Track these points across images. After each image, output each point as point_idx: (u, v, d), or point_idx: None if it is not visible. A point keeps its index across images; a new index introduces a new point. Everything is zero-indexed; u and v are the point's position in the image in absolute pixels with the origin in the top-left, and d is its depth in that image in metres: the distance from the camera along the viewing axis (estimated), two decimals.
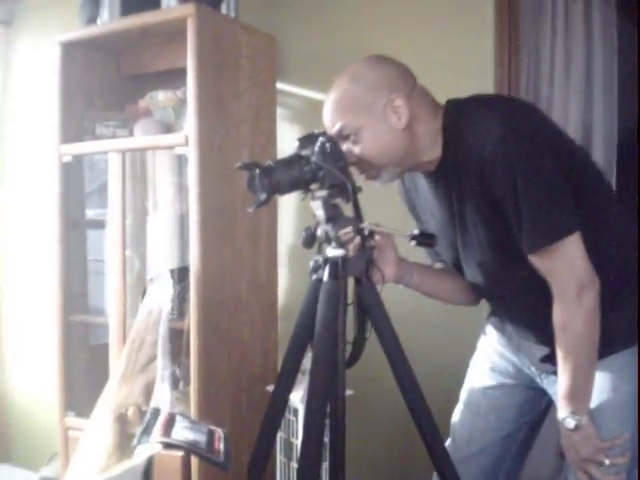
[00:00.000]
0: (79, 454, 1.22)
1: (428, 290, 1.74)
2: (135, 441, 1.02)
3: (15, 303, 3.50)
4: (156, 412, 1.06)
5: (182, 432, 1.04)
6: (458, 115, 1.48)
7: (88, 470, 1.08)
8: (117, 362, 1.35)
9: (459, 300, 1.78)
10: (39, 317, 3.33)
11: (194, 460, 2.18)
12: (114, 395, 1.27)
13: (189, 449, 1.04)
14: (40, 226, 3.27)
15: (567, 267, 1.40)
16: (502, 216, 1.41)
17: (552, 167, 1.38)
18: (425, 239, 1.50)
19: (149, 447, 1.00)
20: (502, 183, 1.37)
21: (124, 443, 1.17)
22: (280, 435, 2.02)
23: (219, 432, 1.10)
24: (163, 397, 1.11)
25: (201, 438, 1.07)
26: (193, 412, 2.20)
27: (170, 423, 1.04)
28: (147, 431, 1.02)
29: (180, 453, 2.20)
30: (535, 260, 1.42)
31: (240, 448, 2.34)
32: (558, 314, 1.43)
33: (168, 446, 1.02)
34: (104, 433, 1.22)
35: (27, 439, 3.42)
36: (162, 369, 1.20)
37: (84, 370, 2.62)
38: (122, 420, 1.24)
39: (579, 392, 1.44)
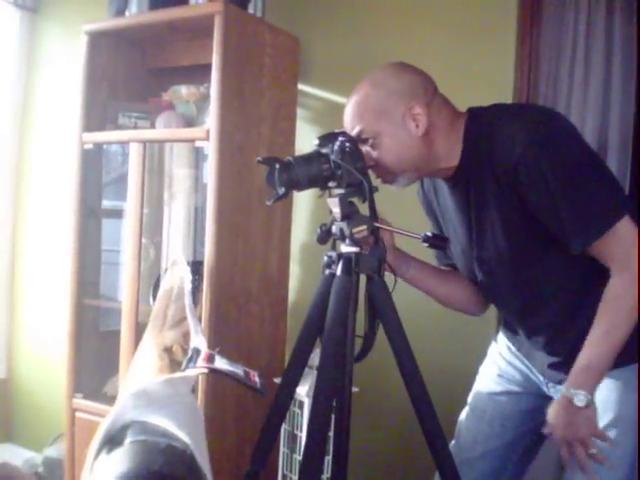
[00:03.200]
0: (129, 375, 1.25)
1: (427, 288, 1.75)
2: (183, 366, 1.08)
3: (27, 286, 3.54)
4: (197, 350, 1.12)
5: (222, 365, 1.10)
6: (483, 121, 1.50)
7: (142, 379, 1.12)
8: (147, 327, 1.40)
9: (459, 306, 1.79)
10: (50, 300, 3.37)
11: None
12: (155, 337, 1.31)
13: (230, 375, 1.11)
14: (59, 212, 3.32)
15: (625, 248, 1.40)
16: (529, 221, 1.43)
17: (588, 158, 1.41)
18: (437, 241, 1.52)
19: (196, 370, 1.05)
20: (537, 186, 1.39)
21: (173, 367, 1.21)
22: (285, 427, 2.04)
23: (254, 372, 1.16)
24: (200, 343, 1.16)
25: (239, 371, 1.14)
26: (201, 401, 2.24)
27: (211, 358, 1.10)
28: (192, 360, 1.08)
29: None
30: (591, 251, 1.42)
31: (244, 439, 2.39)
32: (614, 287, 1.41)
33: (212, 371, 1.07)
34: (154, 358, 1.26)
35: (31, 419, 3.46)
36: (194, 325, 1.24)
37: (93, 354, 2.66)
38: (169, 351, 1.28)
39: (600, 369, 1.43)
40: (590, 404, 1.43)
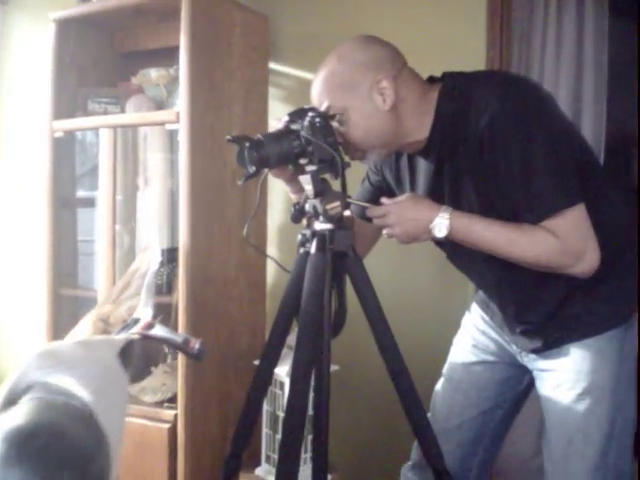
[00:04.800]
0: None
1: None
2: (114, 333, 1.06)
3: (5, 278, 3.49)
4: (135, 320, 1.10)
5: (160, 332, 1.08)
6: (457, 91, 1.48)
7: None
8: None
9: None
10: (28, 292, 3.33)
11: (180, 432, 2.22)
12: (99, 308, 1.29)
13: (165, 340, 1.09)
14: (32, 202, 3.27)
15: (569, 231, 1.38)
16: (499, 189, 1.42)
17: (554, 136, 1.39)
18: None
19: (125, 334, 1.03)
20: (500, 153, 1.38)
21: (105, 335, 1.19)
22: (266, 408, 2.04)
23: (197, 340, 1.14)
24: (145, 315, 1.14)
25: (178, 338, 1.12)
26: (180, 385, 2.23)
27: (150, 327, 1.08)
28: (127, 328, 1.06)
29: (167, 425, 2.25)
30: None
31: (226, 421, 2.38)
32: (544, 232, 1.38)
33: (145, 337, 1.05)
34: (88, 326, 1.24)
35: None
36: (145, 299, 1.22)
37: None
38: (104, 321, 1.26)
39: (474, 233, 1.44)
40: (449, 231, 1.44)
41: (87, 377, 0.83)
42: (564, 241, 1.38)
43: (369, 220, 1.57)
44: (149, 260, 1.37)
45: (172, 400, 2.32)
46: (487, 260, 1.53)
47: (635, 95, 2.40)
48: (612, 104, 2.51)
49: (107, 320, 1.26)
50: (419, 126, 1.51)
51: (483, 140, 1.39)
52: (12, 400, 0.81)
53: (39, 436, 0.75)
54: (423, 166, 1.59)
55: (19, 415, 0.77)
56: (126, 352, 0.97)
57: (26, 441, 0.74)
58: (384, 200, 1.54)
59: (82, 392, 0.81)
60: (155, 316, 1.17)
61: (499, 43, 2.39)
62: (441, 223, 1.43)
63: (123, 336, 1.01)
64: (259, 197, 1.66)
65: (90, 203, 2.73)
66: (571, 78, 2.44)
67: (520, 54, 2.49)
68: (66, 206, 2.71)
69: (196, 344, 1.13)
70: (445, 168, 1.52)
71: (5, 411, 0.80)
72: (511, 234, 1.41)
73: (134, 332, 1.04)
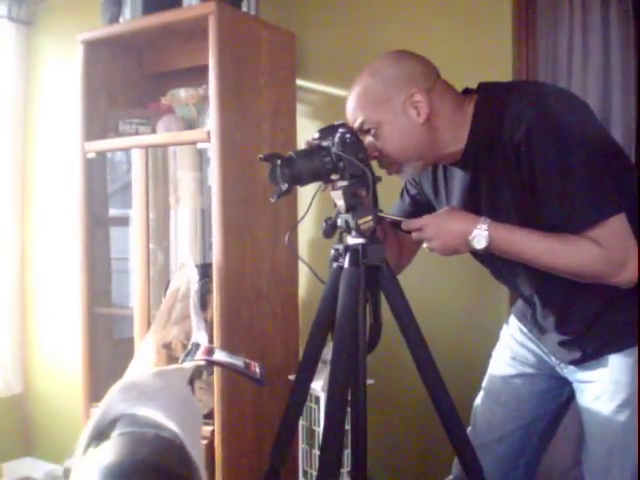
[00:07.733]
0: (127, 372, 1.23)
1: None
2: (180, 360, 1.06)
3: (39, 299, 3.54)
4: (196, 345, 1.11)
5: (221, 357, 1.09)
6: (493, 100, 1.48)
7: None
8: (152, 326, 1.39)
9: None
10: (64, 311, 3.37)
11: (218, 448, 2.23)
12: (157, 333, 1.29)
13: (229, 366, 1.09)
14: (66, 223, 3.31)
15: (613, 239, 1.37)
16: (538, 200, 1.41)
17: (588, 149, 1.38)
18: None
19: (193, 362, 1.04)
20: (538, 163, 1.37)
21: (170, 362, 1.20)
22: (302, 423, 2.04)
23: (255, 363, 1.15)
24: (201, 339, 1.14)
25: (239, 363, 1.12)
26: (216, 402, 2.24)
27: (210, 352, 1.09)
28: (190, 354, 1.07)
29: (204, 441, 2.25)
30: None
31: (262, 437, 2.38)
32: (589, 243, 1.37)
33: (210, 363, 1.06)
34: (151, 354, 1.24)
35: (50, 432, 3.45)
36: (197, 322, 1.22)
37: (108, 363, 2.66)
38: (167, 347, 1.27)
39: (515, 244, 1.43)
40: (487, 244, 1.43)
41: (171, 408, 0.83)
42: (608, 250, 1.37)
43: (408, 232, 1.57)
44: (188, 279, 1.38)
45: (208, 416, 2.33)
46: (527, 271, 1.52)
47: None
48: None
49: (170, 346, 1.26)
50: (455, 138, 1.52)
51: (520, 151, 1.38)
52: (99, 435, 0.81)
53: (137, 472, 0.74)
54: (459, 177, 1.59)
55: (113, 451, 0.76)
56: (192, 379, 0.98)
57: (127, 478, 0.73)
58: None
59: (169, 423, 0.81)
60: (223, 345, 1.19)
61: (525, 54, 2.38)
62: (480, 235, 1.42)
63: (191, 364, 1.02)
64: (310, 204, 1.62)
65: (122, 222, 2.77)
66: (599, 88, 2.42)
67: (546, 64, 2.47)
68: (99, 225, 2.75)
69: (256, 368, 1.14)
70: (482, 179, 1.52)
71: (95, 446, 0.80)
72: (553, 243, 1.40)
73: (199, 358, 1.05)
